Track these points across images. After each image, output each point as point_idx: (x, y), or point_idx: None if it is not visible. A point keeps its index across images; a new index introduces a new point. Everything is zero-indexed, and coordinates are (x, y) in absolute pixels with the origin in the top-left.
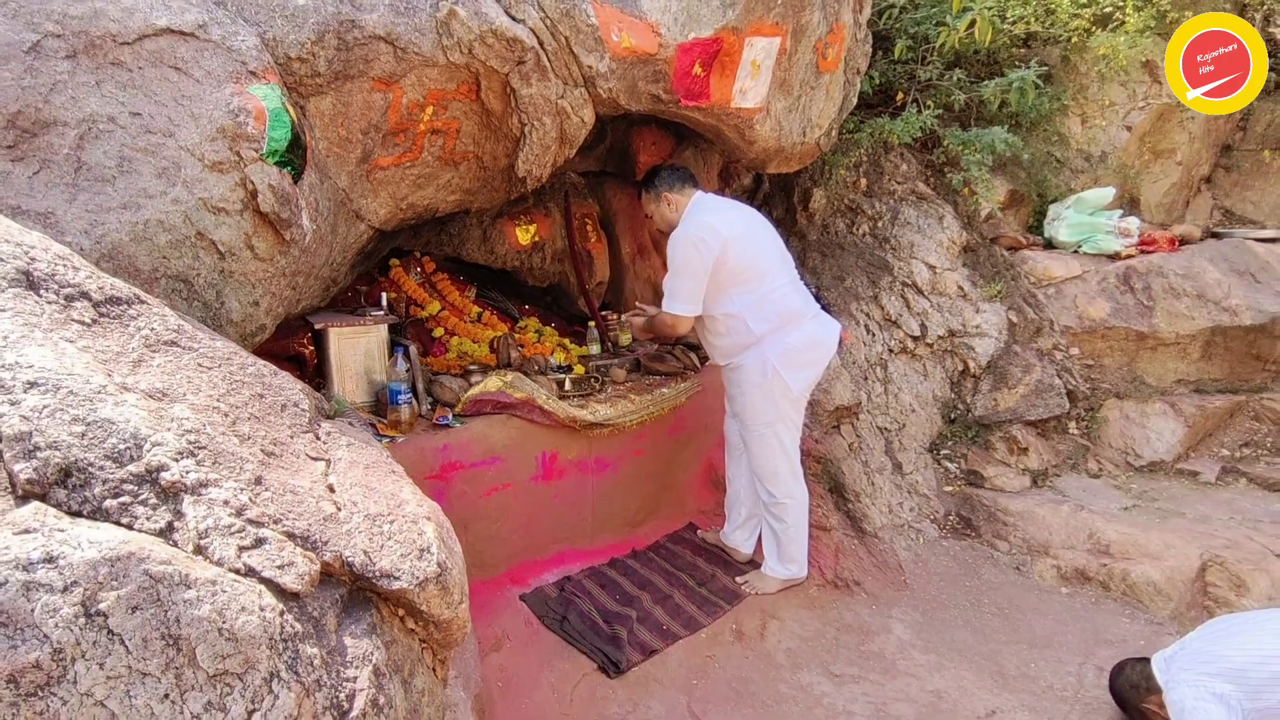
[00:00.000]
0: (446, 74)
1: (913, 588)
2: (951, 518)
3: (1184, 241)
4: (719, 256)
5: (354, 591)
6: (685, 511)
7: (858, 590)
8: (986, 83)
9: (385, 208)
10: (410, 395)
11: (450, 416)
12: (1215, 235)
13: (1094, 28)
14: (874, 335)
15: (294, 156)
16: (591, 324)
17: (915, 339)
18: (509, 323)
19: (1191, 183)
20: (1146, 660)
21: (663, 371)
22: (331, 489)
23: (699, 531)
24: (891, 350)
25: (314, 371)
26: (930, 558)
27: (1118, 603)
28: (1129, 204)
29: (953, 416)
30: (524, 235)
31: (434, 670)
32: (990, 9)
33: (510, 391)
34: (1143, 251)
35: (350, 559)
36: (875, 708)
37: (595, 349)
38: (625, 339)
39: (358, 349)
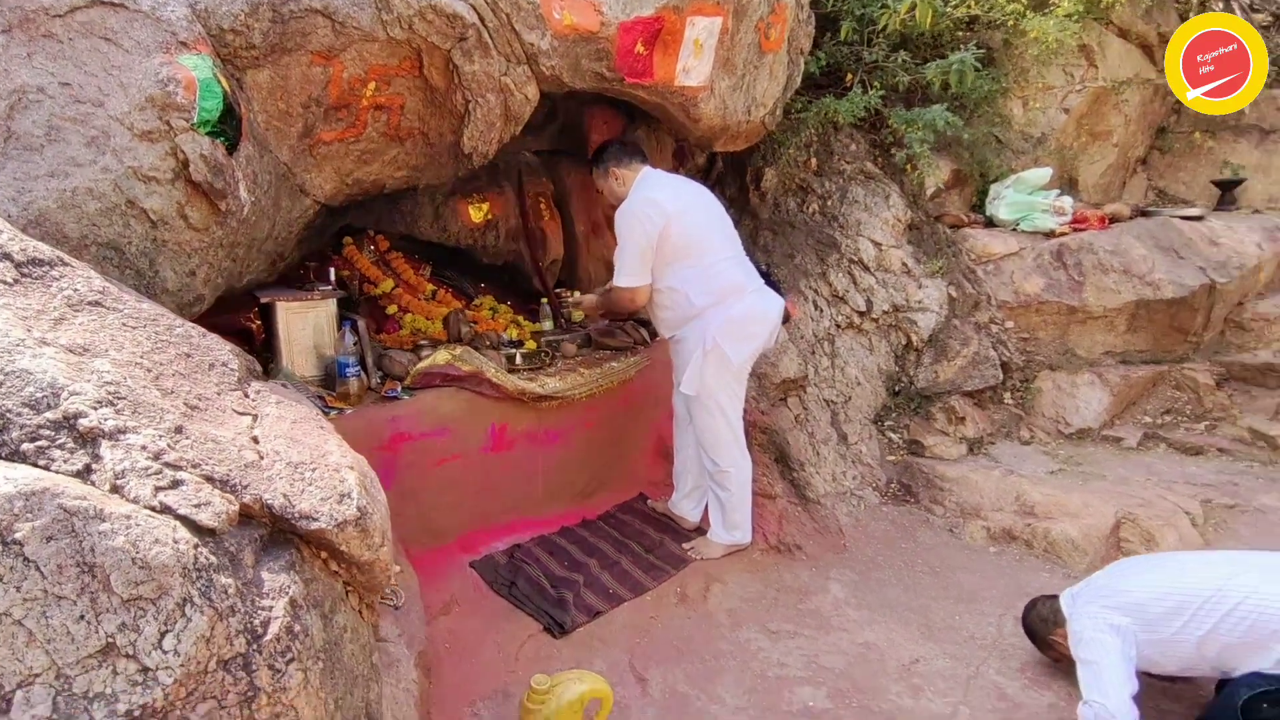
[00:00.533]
0: (388, 49)
1: (852, 550)
2: (893, 485)
3: (1114, 220)
4: (662, 231)
5: (274, 532)
6: (636, 482)
7: (799, 554)
8: (930, 64)
9: (330, 183)
10: (359, 368)
11: (399, 389)
12: (1145, 214)
13: (1029, 11)
14: (822, 311)
15: (227, 127)
16: (544, 301)
17: (861, 314)
18: (464, 300)
19: (1127, 164)
20: (1056, 596)
21: (613, 346)
22: (256, 440)
23: (649, 501)
24: (839, 325)
25: (262, 346)
26: (870, 522)
27: (1039, 559)
28: (1068, 184)
29: (896, 389)
30: (477, 213)
31: (360, 613)
32: None
33: (459, 364)
34: (1075, 229)
35: (270, 501)
36: (808, 659)
37: (548, 325)
38: (578, 315)
39: (306, 323)
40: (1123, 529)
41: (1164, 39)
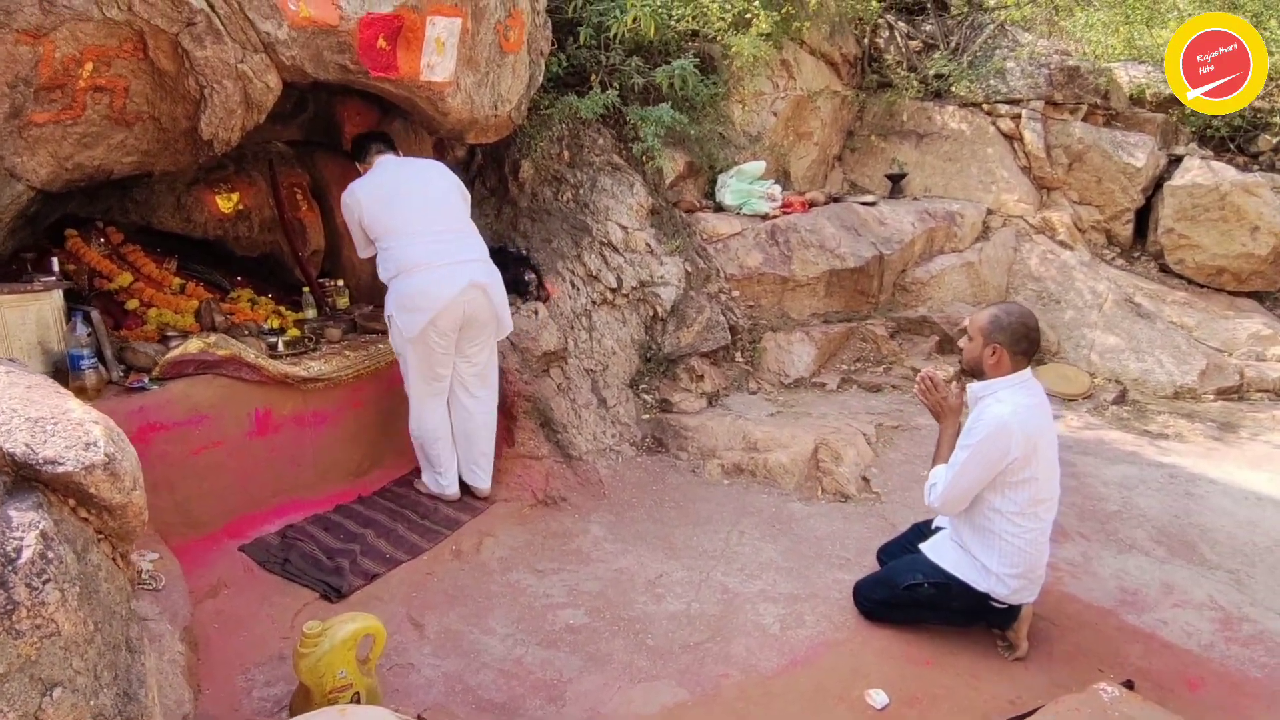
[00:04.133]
0: (105, 30)
1: (610, 497)
2: (647, 439)
3: (812, 204)
4: (359, 218)
5: (19, 480)
6: (409, 459)
7: (564, 504)
8: (660, 69)
9: (46, 167)
10: (95, 360)
11: (146, 380)
12: (835, 200)
13: (732, 29)
14: (579, 289)
15: None
16: (306, 289)
17: (613, 291)
18: (218, 294)
19: (827, 159)
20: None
21: (379, 330)
22: None
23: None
24: (594, 302)
25: None
26: (626, 472)
27: (761, 485)
28: (784, 175)
29: (648, 355)
30: (225, 203)
31: (115, 560)
32: (648, 6)
33: (214, 350)
34: (784, 213)
35: (11, 450)
36: (569, 589)
37: (311, 313)
38: (343, 303)
39: (28, 317)
40: (820, 451)
41: (846, 59)
